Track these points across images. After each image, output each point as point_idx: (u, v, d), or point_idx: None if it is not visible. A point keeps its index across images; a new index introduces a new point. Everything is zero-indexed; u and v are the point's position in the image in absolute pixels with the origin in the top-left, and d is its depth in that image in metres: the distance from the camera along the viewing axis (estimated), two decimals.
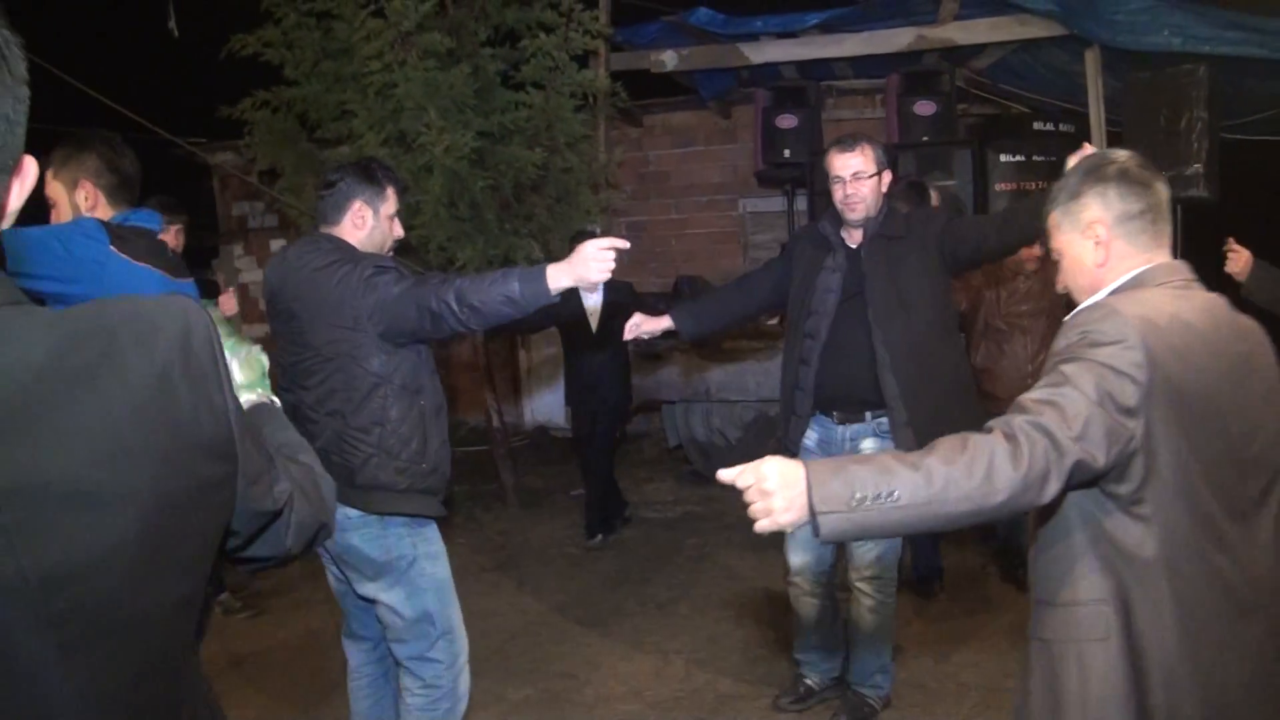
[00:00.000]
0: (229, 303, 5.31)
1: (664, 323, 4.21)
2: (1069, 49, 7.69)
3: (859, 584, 4.12)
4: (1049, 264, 5.13)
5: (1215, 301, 2.05)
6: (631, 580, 6.04)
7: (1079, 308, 2.07)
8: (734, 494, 1.80)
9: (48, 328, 1.09)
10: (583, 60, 6.98)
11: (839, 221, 4.04)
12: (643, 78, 8.57)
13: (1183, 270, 2.07)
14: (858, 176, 3.88)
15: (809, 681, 4.39)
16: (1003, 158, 7.70)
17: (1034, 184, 7.58)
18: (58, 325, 1.09)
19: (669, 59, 8.32)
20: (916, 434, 3.74)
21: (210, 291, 5.89)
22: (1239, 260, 4.41)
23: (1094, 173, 2.11)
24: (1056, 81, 8.38)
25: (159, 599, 1.17)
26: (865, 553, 4.06)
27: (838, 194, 3.94)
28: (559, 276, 2.98)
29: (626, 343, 4.67)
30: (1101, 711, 1.93)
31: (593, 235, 8.31)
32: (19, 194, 1.16)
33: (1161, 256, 2.08)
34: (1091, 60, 7.44)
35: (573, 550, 6.63)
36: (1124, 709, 1.92)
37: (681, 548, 6.53)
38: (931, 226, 3.96)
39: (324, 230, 3.36)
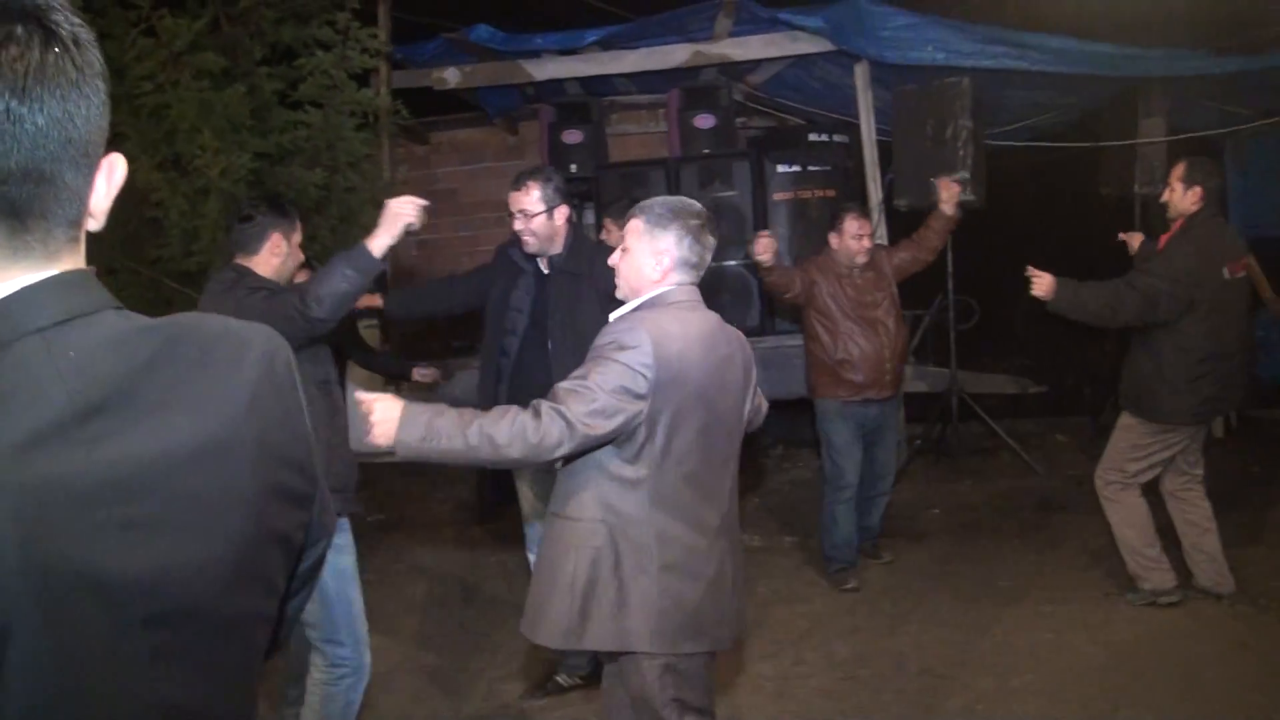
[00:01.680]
0: None
1: (375, 301, 4.68)
2: (840, 64, 8.05)
3: None
4: (878, 255, 5.43)
5: (711, 317, 2.95)
6: (434, 604, 6.00)
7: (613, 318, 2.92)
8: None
9: (148, 331, 1.09)
10: (363, 78, 6.90)
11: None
12: (427, 95, 8.52)
13: (692, 294, 2.95)
14: (525, 214, 4.14)
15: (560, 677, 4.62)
16: (780, 168, 7.99)
17: (810, 193, 7.90)
18: (158, 331, 1.09)
19: (451, 76, 8.31)
20: None
21: None
22: (1042, 284, 4.78)
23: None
24: (829, 94, 8.75)
25: (247, 610, 1.16)
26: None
27: (515, 227, 4.20)
28: (377, 240, 3.32)
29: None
30: (586, 590, 2.74)
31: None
32: (108, 193, 1.16)
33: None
34: (861, 74, 7.81)
35: (368, 576, 6.53)
36: (605, 588, 2.74)
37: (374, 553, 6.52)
38: (608, 265, 4.13)
39: (240, 260, 3.61)
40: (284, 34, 6.51)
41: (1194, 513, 5.09)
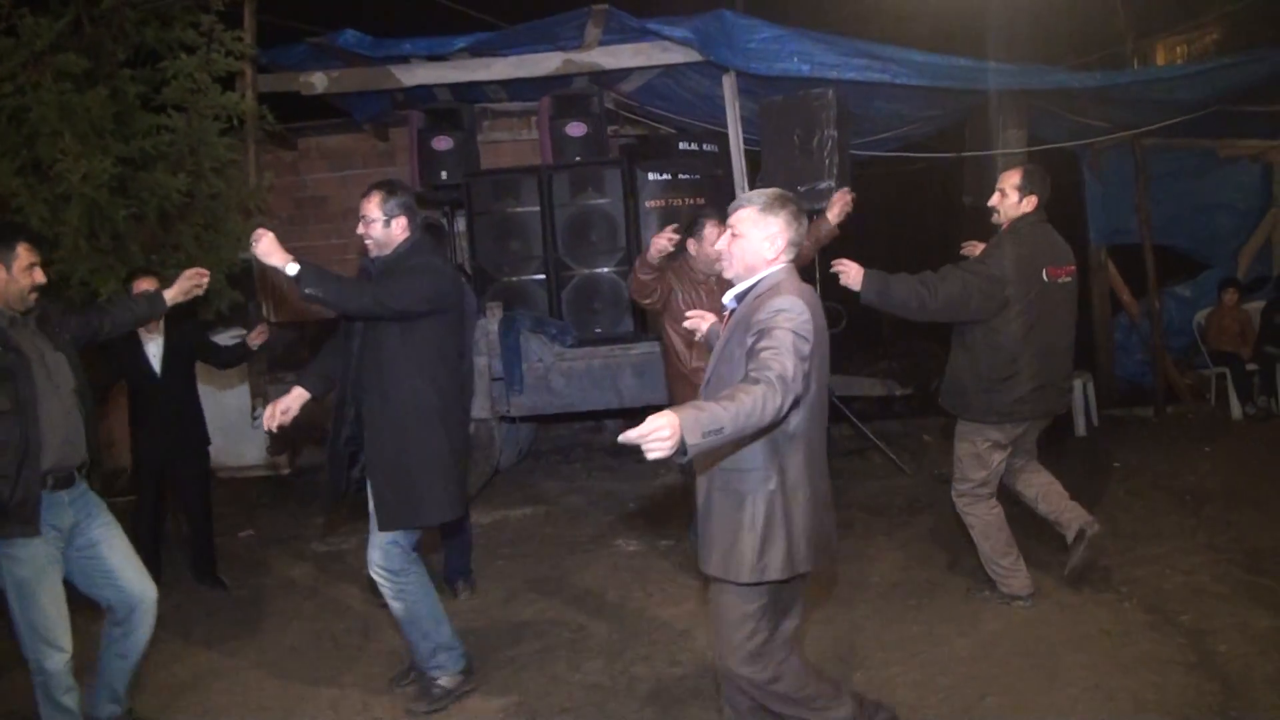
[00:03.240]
0: None
1: (301, 395, 4.54)
2: (709, 74, 8.16)
3: (373, 575, 4.49)
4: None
5: (811, 289, 3.37)
6: (301, 616, 5.89)
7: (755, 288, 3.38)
8: None
9: None
10: (228, 82, 6.76)
11: None
12: (294, 100, 8.37)
13: (793, 269, 3.43)
14: (365, 220, 4.46)
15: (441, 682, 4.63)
16: (651, 176, 8.08)
17: (680, 200, 7.99)
18: None
19: (318, 81, 8.17)
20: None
21: None
22: (849, 275, 4.85)
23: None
24: (699, 104, 8.86)
25: None
26: (372, 551, 4.44)
27: (359, 229, 4.52)
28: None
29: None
30: (766, 528, 3.29)
31: (248, 264, 8.07)
32: None
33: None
34: (729, 85, 7.93)
35: (242, 593, 6.37)
36: (775, 524, 3.30)
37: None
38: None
39: None
40: (147, 36, 6.35)
41: (1033, 480, 5.28)
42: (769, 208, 3.39)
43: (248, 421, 9.25)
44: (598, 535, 6.96)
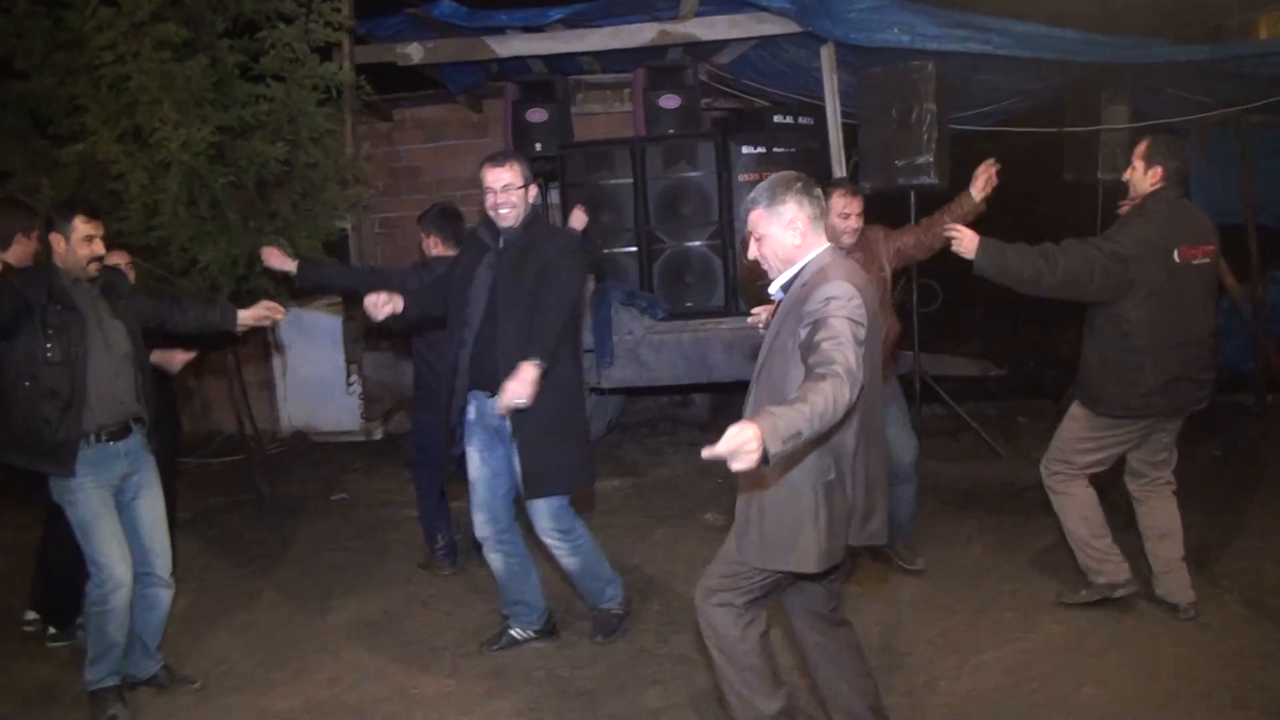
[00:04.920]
0: None
1: (399, 303, 4.66)
2: (806, 46, 8.03)
3: (546, 540, 4.75)
4: (871, 236, 5.23)
5: (853, 261, 3.37)
6: (397, 581, 5.97)
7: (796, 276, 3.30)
8: None
9: None
10: (325, 52, 6.81)
11: (495, 226, 4.59)
12: (390, 71, 8.43)
13: (835, 249, 3.37)
14: (506, 189, 4.46)
15: (513, 632, 4.95)
16: (744, 150, 7.97)
17: (775, 174, 7.87)
18: None
19: (414, 52, 8.21)
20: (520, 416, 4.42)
21: None
22: (964, 241, 4.54)
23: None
24: (795, 77, 8.73)
25: None
26: (540, 519, 4.69)
27: (488, 201, 4.50)
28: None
29: None
30: (830, 520, 3.21)
31: (343, 233, 8.18)
32: None
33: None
34: (827, 56, 7.80)
35: (336, 554, 6.47)
36: (839, 514, 3.23)
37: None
38: (556, 243, 4.59)
39: None
40: (246, 6, 6.42)
41: (1153, 518, 4.85)
42: (774, 198, 3.29)
43: (342, 388, 9.42)
44: (686, 509, 6.93)
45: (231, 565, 6.38)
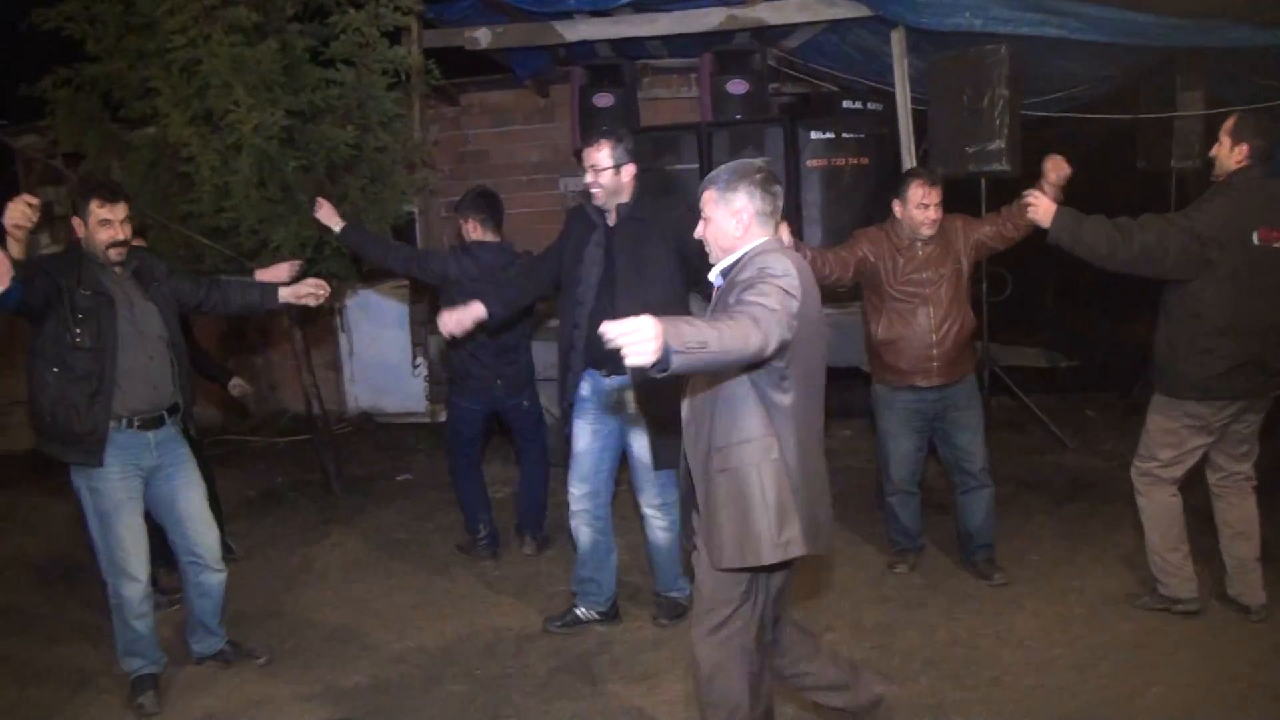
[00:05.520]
0: None
1: (478, 312, 4.72)
2: (875, 30, 7.92)
3: (648, 510, 4.85)
4: (950, 227, 5.15)
5: (800, 259, 3.22)
6: (461, 562, 6.01)
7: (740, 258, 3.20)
8: None
9: None
10: (394, 37, 6.84)
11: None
12: (457, 56, 8.45)
13: (779, 241, 3.27)
14: (598, 169, 4.53)
15: (579, 611, 5.01)
16: (813, 135, 7.90)
17: (843, 160, 7.81)
18: None
19: (483, 36, 8.23)
20: (647, 386, 4.44)
21: None
22: (1039, 208, 4.45)
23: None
24: (864, 61, 8.62)
25: None
26: (650, 487, 4.78)
27: (587, 179, 4.60)
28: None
29: None
30: (779, 500, 3.13)
31: (411, 216, 8.24)
32: None
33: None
34: (897, 41, 7.68)
35: (401, 535, 6.54)
36: (785, 496, 3.14)
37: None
38: (672, 214, 4.59)
39: None
40: None
41: (1231, 513, 4.68)
42: (729, 185, 3.21)
43: (408, 369, 9.50)
44: None
45: (298, 543, 6.48)
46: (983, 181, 7.24)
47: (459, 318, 4.66)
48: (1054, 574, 5.31)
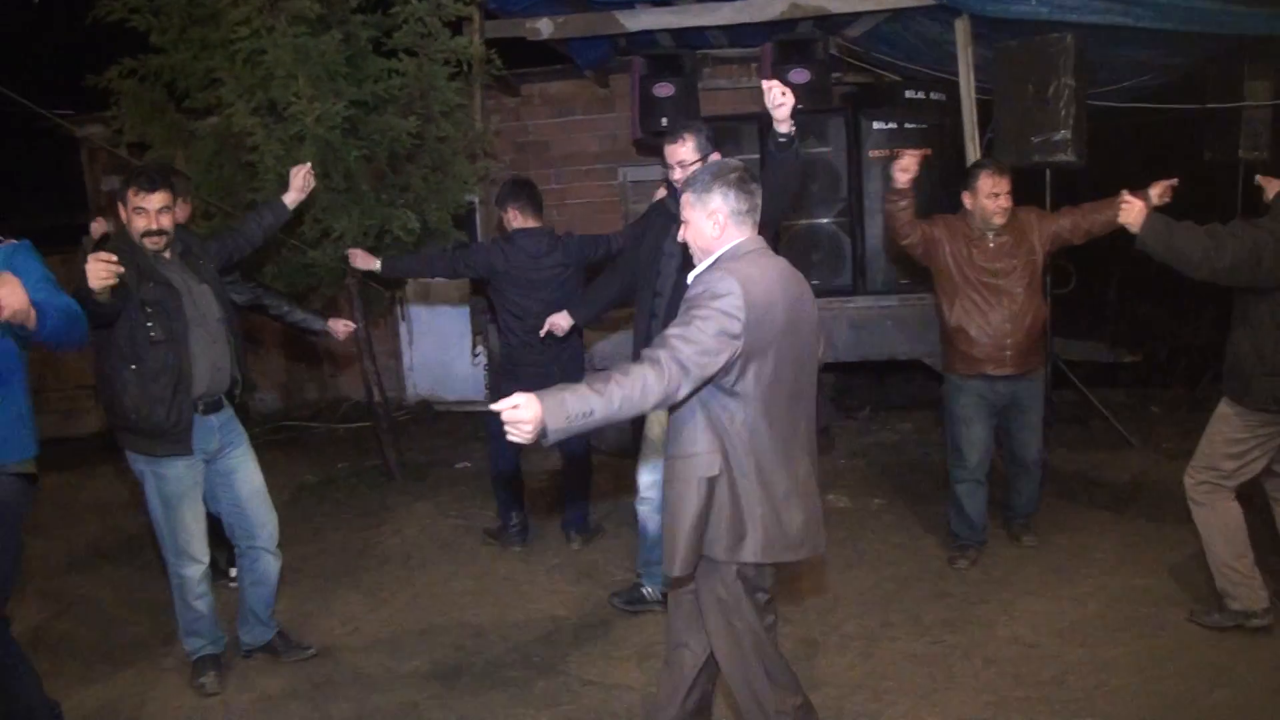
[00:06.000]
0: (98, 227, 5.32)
1: (567, 319, 5.24)
2: (939, 19, 7.82)
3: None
4: (1023, 217, 5.11)
5: (782, 261, 3.25)
6: (518, 550, 6.04)
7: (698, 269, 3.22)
8: None
9: None
10: (456, 27, 6.88)
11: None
12: (518, 46, 8.46)
13: (760, 242, 3.22)
14: (685, 164, 4.45)
15: (645, 590, 5.08)
16: (876, 125, 7.84)
17: (906, 150, 7.71)
18: None
19: (544, 27, 8.23)
20: None
21: None
22: (1131, 212, 4.32)
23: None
24: (927, 50, 8.52)
25: None
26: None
27: (673, 176, 4.57)
28: None
29: None
30: (715, 514, 3.13)
31: (471, 206, 8.28)
32: None
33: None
34: (961, 29, 7.58)
35: (460, 522, 6.59)
36: (725, 510, 3.14)
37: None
38: None
39: None
40: None
41: None
42: (705, 186, 3.21)
43: (467, 358, 9.57)
44: None
45: (359, 529, 6.55)
46: (1048, 172, 7.13)
47: (556, 322, 5.27)
48: (1119, 572, 5.22)
